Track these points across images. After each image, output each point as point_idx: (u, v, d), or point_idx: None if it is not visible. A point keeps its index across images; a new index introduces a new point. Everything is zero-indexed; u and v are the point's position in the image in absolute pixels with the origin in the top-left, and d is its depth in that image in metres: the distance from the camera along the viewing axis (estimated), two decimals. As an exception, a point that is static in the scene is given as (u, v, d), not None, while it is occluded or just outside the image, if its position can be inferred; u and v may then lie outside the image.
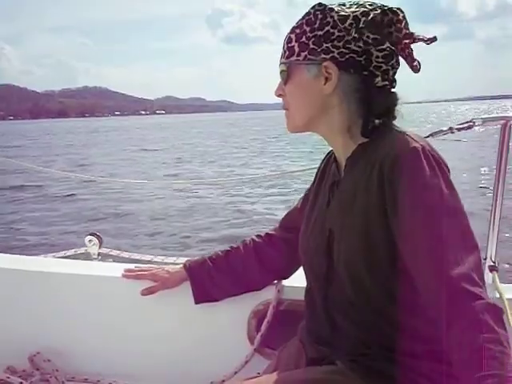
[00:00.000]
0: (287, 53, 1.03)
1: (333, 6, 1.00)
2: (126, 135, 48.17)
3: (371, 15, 0.97)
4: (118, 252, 1.84)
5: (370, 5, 1.00)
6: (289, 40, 1.03)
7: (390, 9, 0.99)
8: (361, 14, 0.98)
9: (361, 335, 1.00)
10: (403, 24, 0.99)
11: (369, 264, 0.95)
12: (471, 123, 1.33)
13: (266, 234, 1.41)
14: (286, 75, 1.04)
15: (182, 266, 1.43)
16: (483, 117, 1.35)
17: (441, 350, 0.87)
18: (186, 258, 1.50)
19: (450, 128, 1.35)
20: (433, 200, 0.89)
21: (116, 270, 1.55)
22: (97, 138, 42.81)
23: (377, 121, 1.01)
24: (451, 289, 0.82)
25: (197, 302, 1.40)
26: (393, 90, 1.03)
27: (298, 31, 1.02)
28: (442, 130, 1.36)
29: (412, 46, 1.00)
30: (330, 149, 1.15)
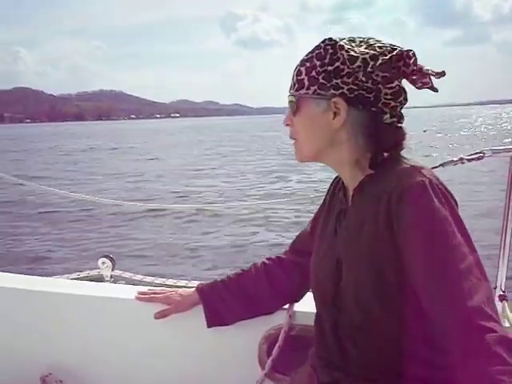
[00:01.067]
0: (296, 85, 1.04)
1: (343, 44, 0.99)
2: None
3: (379, 60, 0.97)
4: (131, 274, 1.85)
5: (379, 47, 0.99)
6: (298, 72, 1.04)
7: (400, 53, 0.98)
8: (370, 57, 0.97)
9: (370, 361, 1.01)
10: (412, 61, 0.99)
11: (377, 293, 0.97)
12: (481, 154, 1.34)
13: (277, 257, 1.42)
14: (295, 107, 1.05)
15: (194, 289, 1.44)
16: (493, 148, 1.36)
17: (450, 377, 0.87)
18: (197, 282, 1.51)
19: (461, 158, 1.37)
20: (441, 233, 0.89)
21: (128, 292, 1.57)
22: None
23: (385, 153, 1.02)
24: (463, 323, 0.83)
25: (209, 326, 1.40)
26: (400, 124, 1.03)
27: (308, 64, 1.02)
28: (452, 160, 1.38)
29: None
30: None
